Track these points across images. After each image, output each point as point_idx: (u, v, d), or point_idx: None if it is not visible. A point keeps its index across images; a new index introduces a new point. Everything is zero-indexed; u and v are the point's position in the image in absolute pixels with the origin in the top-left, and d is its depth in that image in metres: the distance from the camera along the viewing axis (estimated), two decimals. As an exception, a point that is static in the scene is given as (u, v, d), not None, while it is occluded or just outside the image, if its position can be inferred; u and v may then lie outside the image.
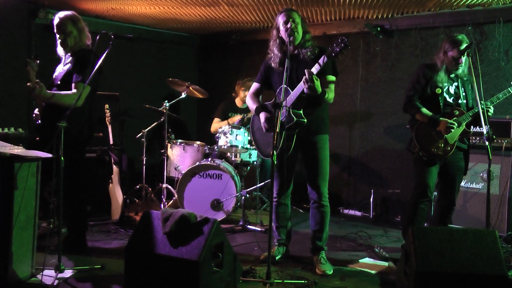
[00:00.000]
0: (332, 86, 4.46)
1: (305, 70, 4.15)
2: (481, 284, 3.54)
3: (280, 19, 4.46)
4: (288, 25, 4.37)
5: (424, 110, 4.71)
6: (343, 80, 7.19)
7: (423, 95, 4.76)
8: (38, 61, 4.42)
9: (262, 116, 4.61)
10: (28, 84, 4.38)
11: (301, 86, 4.30)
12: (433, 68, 4.76)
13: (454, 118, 4.62)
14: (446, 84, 4.72)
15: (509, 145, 5.51)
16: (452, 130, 4.58)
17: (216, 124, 7.26)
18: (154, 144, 8.01)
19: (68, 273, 4.14)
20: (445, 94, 4.71)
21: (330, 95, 4.43)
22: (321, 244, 4.64)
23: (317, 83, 4.16)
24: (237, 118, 7.06)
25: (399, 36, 6.95)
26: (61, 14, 4.68)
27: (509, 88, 4.64)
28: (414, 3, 6.15)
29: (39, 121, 4.72)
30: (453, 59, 4.64)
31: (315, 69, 4.19)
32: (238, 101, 7.38)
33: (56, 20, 4.66)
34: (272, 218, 4.24)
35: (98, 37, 4.16)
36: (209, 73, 9.09)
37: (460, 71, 4.69)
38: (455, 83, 4.76)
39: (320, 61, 4.16)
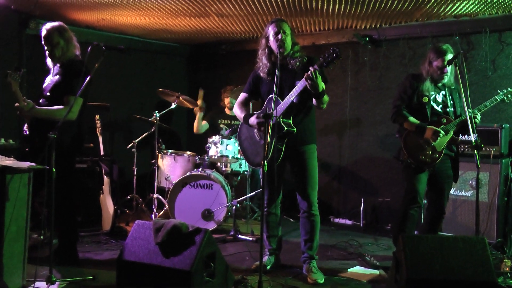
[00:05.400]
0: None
1: (310, 67, 4.15)
2: (471, 291, 3.58)
3: (271, 29, 4.48)
4: (279, 36, 4.40)
5: (412, 118, 4.76)
6: (332, 89, 7.23)
7: (410, 105, 4.82)
8: (21, 72, 4.41)
9: (253, 118, 4.58)
10: (16, 104, 4.38)
11: (292, 96, 4.33)
12: (419, 78, 4.83)
13: (442, 126, 4.67)
14: (433, 93, 4.77)
15: (498, 153, 5.55)
16: (439, 137, 4.63)
17: (196, 123, 7.37)
18: (144, 155, 8.00)
19: (59, 284, 4.12)
20: (432, 103, 4.76)
21: (325, 103, 4.45)
22: (311, 253, 4.65)
23: (319, 80, 4.17)
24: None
25: (388, 46, 7.02)
26: (48, 25, 4.69)
27: (496, 96, 4.72)
28: (402, 14, 6.21)
29: (27, 132, 4.71)
30: (438, 69, 4.70)
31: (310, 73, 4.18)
32: (226, 109, 7.45)
33: (43, 32, 4.67)
34: (263, 228, 4.25)
35: (89, 48, 4.16)
36: (199, 83, 9.06)
37: (446, 80, 4.76)
38: (443, 92, 4.82)
39: (316, 66, 4.15)
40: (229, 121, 7.33)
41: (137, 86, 8.30)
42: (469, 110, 4.41)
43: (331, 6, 5.98)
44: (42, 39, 4.68)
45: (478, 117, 4.60)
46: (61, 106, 4.51)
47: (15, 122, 6.51)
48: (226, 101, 7.31)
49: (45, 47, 4.70)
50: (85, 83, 4.21)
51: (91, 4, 6.17)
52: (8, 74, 4.35)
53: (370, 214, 7.11)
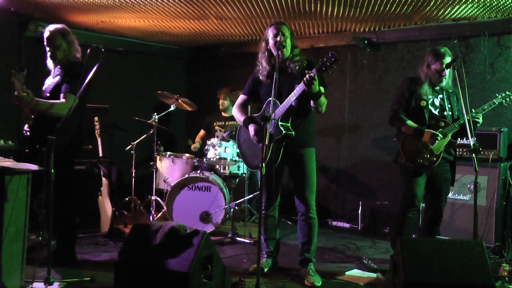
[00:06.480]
0: (323, 97, 4.48)
1: (306, 71, 4.18)
2: (469, 294, 3.58)
3: (270, 32, 4.49)
4: (278, 39, 4.40)
5: (409, 122, 4.76)
6: (331, 92, 7.23)
7: (408, 108, 4.81)
8: (24, 72, 4.41)
9: (251, 128, 4.62)
10: (15, 93, 4.36)
11: (290, 100, 4.34)
12: (417, 81, 4.82)
13: (440, 129, 4.66)
14: (430, 96, 4.77)
15: (496, 157, 5.56)
16: (437, 141, 4.63)
17: (198, 137, 7.43)
18: (143, 157, 8.00)
19: (57, 285, 4.12)
20: (430, 107, 4.76)
21: (323, 105, 4.46)
22: (309, 256, 4.65)
23: (316, 83, 4.18)
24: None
25: (386, 49, 7.02)
26: (51, 27, 4.70)
27: (494, 100, 4.72)
28: (401, 17, 6.22)
29: (28, 133, 4.71)
30: (436, 72, 4.69)
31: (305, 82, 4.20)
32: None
33: (46, 33, 4.68)
34: (260, 230, 4.25)
35: (88, 50, 4.16)
36: (197, 86, 9.12)
37: (444, 83, 4.75)
38: (440, 95, 4.81)
39: (313, 71, 4.17)
40: (223, 122, 7.34)
41: (136, 88, 8.31)
42: (472, 111, 4.42)
43: (330, 9, 5.98)
44: (45, 40, 4.69)
45: (480, 118, 4.61)
46: (58, 101, 4.51)
47: (14, 124, 6.51)
48: (220, 102, 7.36)
49: (47, 48, 4.70)
50: (83, 84, 4.21)
51: (90, 7, 6.18)
52: (12, 74, 4.35)
53: (368, 217, 7.11)
